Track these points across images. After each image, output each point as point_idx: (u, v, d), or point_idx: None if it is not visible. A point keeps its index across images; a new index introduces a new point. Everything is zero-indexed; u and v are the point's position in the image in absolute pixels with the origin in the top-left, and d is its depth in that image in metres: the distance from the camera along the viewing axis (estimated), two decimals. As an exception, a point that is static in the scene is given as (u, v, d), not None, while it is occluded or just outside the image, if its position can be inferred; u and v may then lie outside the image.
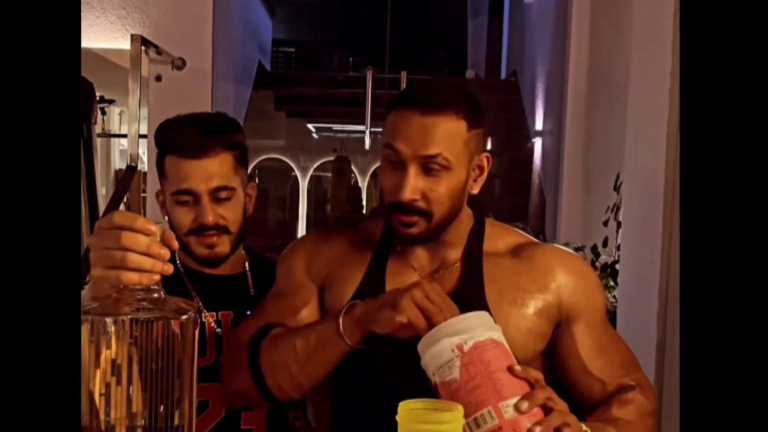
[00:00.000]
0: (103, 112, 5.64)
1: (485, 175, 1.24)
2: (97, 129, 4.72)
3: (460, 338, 0.97)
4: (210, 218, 1.31)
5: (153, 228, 0.89)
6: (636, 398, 1.19)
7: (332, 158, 7.92)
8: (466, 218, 1.27)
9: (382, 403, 0.99)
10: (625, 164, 2.15)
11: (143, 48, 3.52)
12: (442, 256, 1.25)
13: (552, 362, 1.23)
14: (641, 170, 2.02)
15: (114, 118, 6.92)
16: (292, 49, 9.90)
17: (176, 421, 0.87)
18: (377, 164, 7.12)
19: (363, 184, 8.14)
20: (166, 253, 0.89)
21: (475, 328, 0.99)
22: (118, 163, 6.97)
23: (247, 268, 1.43)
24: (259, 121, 6.46)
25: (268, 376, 1.15)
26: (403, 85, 4.97)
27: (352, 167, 8.00)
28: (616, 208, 2.60)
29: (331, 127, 7.84)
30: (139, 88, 3.49)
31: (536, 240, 1.31)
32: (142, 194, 3.66)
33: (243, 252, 1.44)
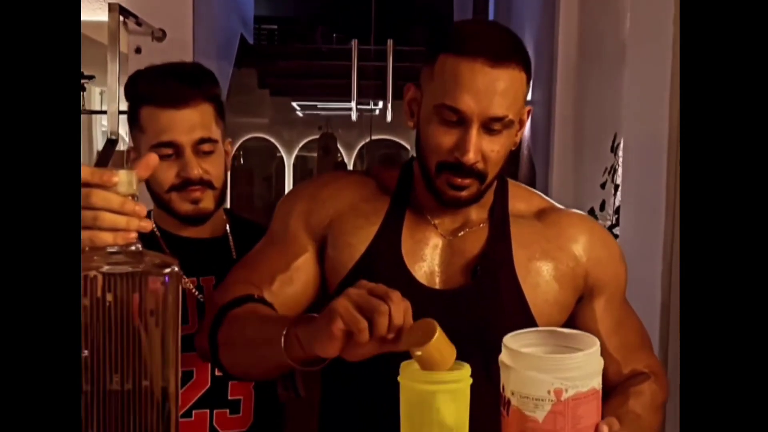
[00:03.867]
0: (83, 89, 5.51)
1: (524, 129, 1.15)
2: (77, 106, 4.59)
3: (562, 382, 0.84)
4: (195, 172, 1.24)
5: (122, 177, 0.80)
6: (650, 389, 1.14)
7: (317, 137, 7.83)
8: None
9: (378, 374, 0.92)
10: (623, 124, 2.09)
11: (122, 19, 3.41)
12: (466, 214, 1.17)
13: None
14: (641, 129, 1.96)
15: (95, 97, 6.79)
16: (275, 26, 9.75)
17: (161, 384, 0.80)
18: (365, 140, 7.04)
19: (349, 160, 8.05)
20: (141, 210, 0.81)
21: (583, 375, 0.85)
22: (100, 142, 6.85)
23: (228, 231, 1.36)
24: (243, 99, 6.35)
25: (221, 351, 1.06)
26: (390, 56, 4.87)
27: (338, 145, 7.91)
28: (613, 170, 2.53)
29: (315, 105, 7.73)
30: (118, 61, 3.38)
31: (557, 204, 1.24)
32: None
33: (223, 214, 1.36)
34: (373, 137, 7.30)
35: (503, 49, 1.05)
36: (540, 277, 1.13)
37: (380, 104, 6.41)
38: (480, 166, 1.08)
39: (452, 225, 1.17)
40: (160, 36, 3.70)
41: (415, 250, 1.14)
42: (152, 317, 0.77)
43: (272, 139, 8.04)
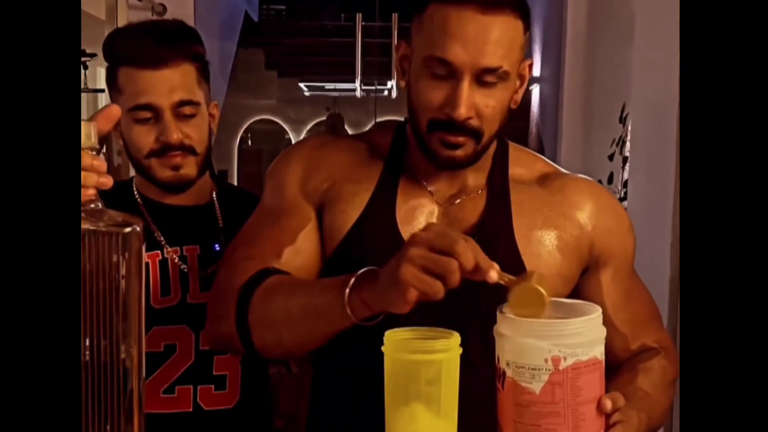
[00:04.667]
0: (85, 67, 5.46)
1: (525, 85, 1.07)
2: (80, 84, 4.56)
3: (561, 350, 0.77)
4: (174, 136, 1.17)
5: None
6: (660, 365, 1.07)
7: (324, 118, 7.78)
8: None
9: (372, 349, 0.85)
10: (633, 94, 2.02)
11: (120, -8, 3.35)
12: (462, 180, 1.10)
13: None
14: (650, 100, 1.88)
15: (100, 76, 6.75)
16: (283, 7, 9.68)
17: (122, 355, 0.74)
18: (371, 120, 6.96)
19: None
20: (100, 165, 0.75)
21: (583, 342, 0.78)
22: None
23: (215, 198, 1.29)
24: (250, 78, 6.29)
25: (255, 334, 0.98)
26: (395, 31, 4.79)
27: (345, 125, 7.86)
28: (621, 142, 2.46)
29: (323, 86, 7.67)
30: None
31: (561, 169, 1.16)
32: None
33: (210, 180, 1.30)
34: (380, 117, 7.23)
35: None
36: (542, 247, 1.06)
37: (388, 84, 6.34)
38: (474, 122, 1.01)
39: (448, 191, 1.10)
40: (160, 11, 3.64)
41: (410, 217, 1.08)
42: (110, 282, 0.71)
43: (280, 121, 7.99)
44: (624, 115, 2.45)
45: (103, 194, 1.27)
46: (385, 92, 6.49)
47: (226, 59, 4.91)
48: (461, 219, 1.08)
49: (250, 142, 7.93)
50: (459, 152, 1.02)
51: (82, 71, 5.33)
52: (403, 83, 1.08)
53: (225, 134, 6.67)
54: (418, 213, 1.08)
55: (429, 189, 1.09)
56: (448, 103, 0.99)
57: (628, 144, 2.33)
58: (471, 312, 1.01)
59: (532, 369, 0.78)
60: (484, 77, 0.99)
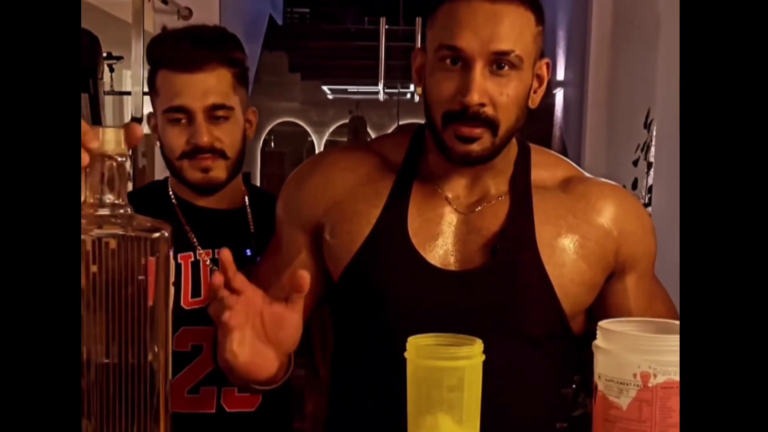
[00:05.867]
0: (111, 69, 5.52)
1: (545, 86, 1.06)
2: (106, 87, 4.62)
3: (651, 366, 0.75)
4: (204, 138, 1.19)
5: (109, 135, 0.75)
6: None
7: (347, 121, 7.81)
8: (514, 140, 1.09)
9: (391, 355, 0.86)
10: (658, 99, 2.00)
11: (146, -4, 3.39)
12: (484, 186, 1.07)
13: (594, 314, 1.08)
14: (676, 105, 1.87)
15: (126, 80, 6.82)
16: (306, 9, 9.74)
17: (149, 357, 0.75)
18: (394, 123, 6.97)
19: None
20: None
21: (677, 362, 0.75)
22: (130, 124, 6.88)
23: (247, 203, 1.31)
24: (274, 81, 6.33)
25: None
26: (419, 35, 4.79)
27: (368, 128, 7.88)
28: (646, 147, 2.44)
29: (346, 89, 7.70)
30: (143, 40, 3.36)
31: (587, 174, 1.15)
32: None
33: (242, 185, 1.31)
34: (403, 120, 7.24)
35: None
36: (566, 255, 1.05)
37: (411, 87, 6.35)
38: (489, 111, 0.99)
39: (468, 199, 1.08)
40: (186, 14, 3.67)
41: (426, 229, 1.06)
42: (138, 286, 0.72)
43: (303, 124, 8.03)
44: (649, 120, 2.44)
45: (139, 193, 1.30)
46: (408, 95, 6.50)
47: (251, 62, 4.95)
48: (482, 227, 1.07)
49: (273, 144, 7.99)
50: (475, 146, 1.00)
51: (108, 74, 5.40)
52: (420, 90, 1.08)
53: (249, 137, 6.73)
54: (435, 224, 1.07)
55: (447, 196, 1.08)
56: (460, 91, 0.98)
57: (652, 149, 2.31)
58: (494, 326, 1.01)
59: (620, 383, 0.76)
60: (496, 64, 0.98)
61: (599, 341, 0.80)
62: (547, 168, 1.11)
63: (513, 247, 1.04)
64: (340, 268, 1.08)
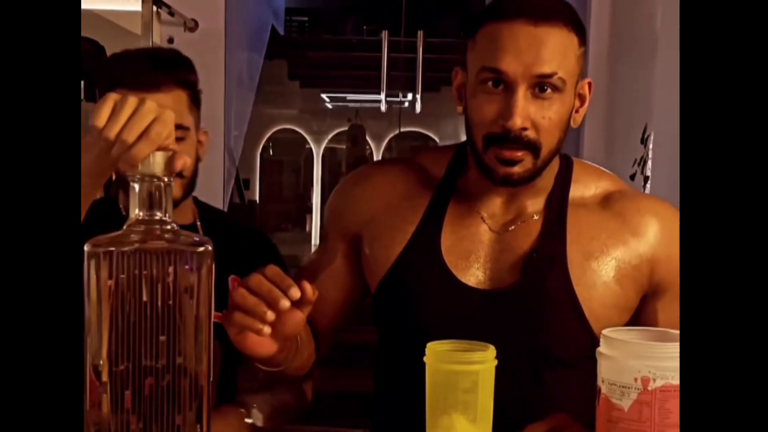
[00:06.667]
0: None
1: (586, 105, 1.06)
2: (110, 95, 4.66)
3: (651, 371, 0.81)
4: None
5: (158, 158, 0.81)
6: None
7: (346, 128, 7.86)
8: (555, 158, 1.07)
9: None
10: (654, 114, 2.07)
11: (155, 9, 3.45)
12: (520, 204, 1.07)
13: None
14: (673, 121, 1.94)
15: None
16: (305, 18, 9.79)
17: (194, 370, 0.81)
18: (393, 132, 7.03)
19: (378, 152, 8.06)
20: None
21: (674, 367, 0.81)
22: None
23: (198, 220, 1.36)
24: (273, 90, 6.38)
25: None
26: (420, 48, 4.87)
27: (367, 137, 7.94)
28: (643, 162, 2.52)
29: (345, 97, 7.76)
30: (152, 51, 3.42)
31: (628, 188, 1.12)
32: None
33: (193, 203, 1.37)
34: (402, 129, 7.29)
35: (545, 8, 0.98)
36: (597, 277, 1.03)
37: (409, 96, 6.41)
38: (531, 135, 0.98)
39: (503, 218, 1.08)
40: (192, 26, 3.72)
41: (459, 247, 1.07)
42: (186, 294, 0.79)
43: (301, 131, 8.08)
44: (646, 135, 2.51)
45: (94, 208, 1.33)
46: (406, 104, 6.57)
47: (254, 71, 5.01)
48: (514, 246, 1.06)
49: (271, 151, 8.04)
50: (517, 168, 1.00)
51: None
52: (460, 109, 1.07)
53: (248, 144, 6.79)
54: (468, 242, 1.07)
55: (482, 215, 1.08)
56: (502, 114, 0.98)
57: (649, 163, 2.39)
58: (522, 346, 1.02)
59: (622, 387, 0.82)
60: (539, 86, 0.97)
61: (603, 348, 0.86)
62: (588, 184, 1.09)
63: (542, 268, 1.04)
64: (376, 281, 1.10)
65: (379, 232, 1.10)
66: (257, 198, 7.28)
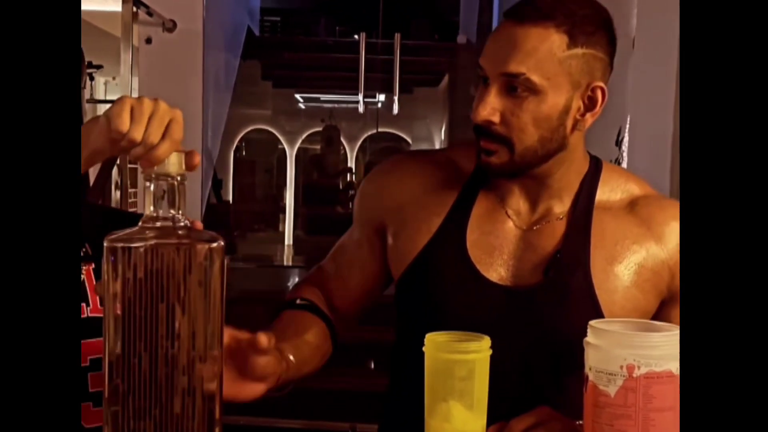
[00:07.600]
0: (92, 78, 5.55)
1: (597, 111, 1.04)
2: (86, 95, 4.65)
3: (635, 359, 0.86)
4: None
5: (174, 158, 0.85)
6: None
7: (320, 129, 7.87)
8: (580, 159, 1.08)
9: None
10: (629, 119, 2.14)
11: (134, 9, 3.45)
12: (547, 205, 1.08)
13: None
14: (647, 124, 2.01)
15: (99, 87, 6.82)
16: (278, 18, 9.77)
17: (207, 360, 0.84)
18: (370, 131, 7.05)
19: (352, 153, 8.08)
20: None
21: (657, 355, 0.86)
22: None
23: None
24: (247, 90, 6.37)
25: None
26: (398, 50, 4.91)
27: (341, 138, 7.95)
28: (617, 164, 2.60)
29: (318, 98, 7.76)
30: (131, 51, 3.42)
31: (655, 192, 1.12)
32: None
33: None
34: (376, 130, 7.32)
35: (536, 9, 0.98)
36: (619, 282, 1.04)
37: (382, 97, 6.45)
38: (500, 129, 1.00)
39: (530, 216, 1.09)
40: (170, 27, 3.73)
41: (484, 242, 1.08)
42: (200, 287, 0.82)
43: (274, 131, 8.07)
44: (620, 138, 2.58)
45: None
46: (379, 104, 6.60)
47: (231, 72, 5.01)
48: (538, 246, 1.07)
49: (244, 151, 8.01)
50: (493, 159, 1.02)
51: (88, 82, 5.43)
52: None
53: (223, 144, 6.80)
54: (493, 238, 1.08)
55: (508, 211, 1.09)
56: (476, 106, 1.01)
57: (624, 164, 2.46)
58: (542, 345, 1.05)
59: (609, 374, 0.87)
60: (509, 84, 0.99)
61: (590, 338, 0.91)
62: (615, 187, 1.09)
63: (565, 270, 1.04)
64: (399, 271, 1.11)
65: (405, 223, 1.11)
66: (230, 198, 7.26)
